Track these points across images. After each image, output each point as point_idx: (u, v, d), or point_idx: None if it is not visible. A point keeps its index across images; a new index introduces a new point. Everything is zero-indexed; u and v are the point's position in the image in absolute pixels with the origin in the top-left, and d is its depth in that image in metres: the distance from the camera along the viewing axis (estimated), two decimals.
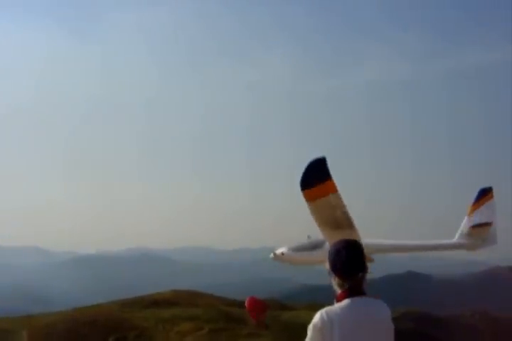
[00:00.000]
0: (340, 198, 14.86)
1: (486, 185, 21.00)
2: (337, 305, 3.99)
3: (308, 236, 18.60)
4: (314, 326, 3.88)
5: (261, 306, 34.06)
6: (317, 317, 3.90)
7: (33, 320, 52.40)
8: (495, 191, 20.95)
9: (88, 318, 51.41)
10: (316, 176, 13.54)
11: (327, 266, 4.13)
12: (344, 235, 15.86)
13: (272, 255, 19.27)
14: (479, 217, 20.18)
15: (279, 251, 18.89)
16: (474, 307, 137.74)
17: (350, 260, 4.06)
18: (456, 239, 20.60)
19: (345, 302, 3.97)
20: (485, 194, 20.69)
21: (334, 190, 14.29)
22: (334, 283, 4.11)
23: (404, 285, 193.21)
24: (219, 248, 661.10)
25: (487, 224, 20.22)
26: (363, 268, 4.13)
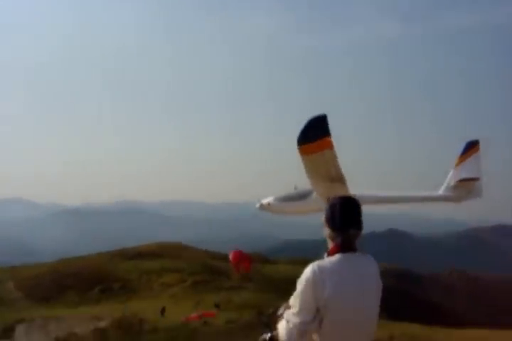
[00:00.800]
0: (335, 155, 15.01)
1: (471, 138, 21.16)
2: (328, 260, 4.02)
3: (295, 187, 18.65)
4: (306, 279, 3.89)
5: (246, 258, 34.46)
6: (308, 270, 3.91)
7: (19, 271, 52.88)
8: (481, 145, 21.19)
9: (73, 270, 51.94)
10: (315, 132, 13.69)
11: (322, 218, 4.16)
12: (334, 188, 16.16)
13: (257, 205, 19.29)
14: (465, 171, 20.38)
15: (265, 200, 18.95)
16: (453, 266, 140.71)
17: (344, 215, 4.12)
18: (442, 191, 20.82)
19: (337, 257, 4.00)
20: (471, 147, 20.84)
21: (331, 146, 14.44)
22: (327, 236, 4.14)
23: (386, 243, 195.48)
24: (205, 201, 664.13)
25: (474, 179, 20.45)
26: (357, 225, 4.15)
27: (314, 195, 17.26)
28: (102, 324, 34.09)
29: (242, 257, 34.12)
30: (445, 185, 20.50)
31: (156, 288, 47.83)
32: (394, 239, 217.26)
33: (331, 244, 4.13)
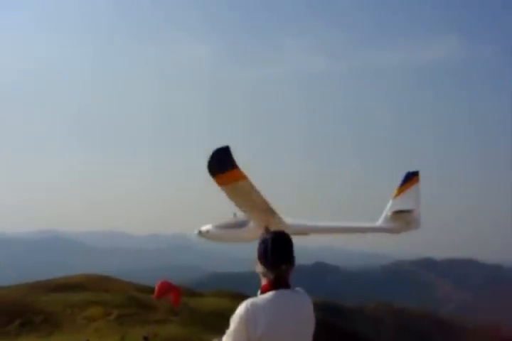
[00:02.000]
0: (251, 184, 15.09)
1: (412, 169, 21.56)
2: (261, 297, 4.01)
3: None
4: (240, 317, 3.87)
5: (174, 289, 33.88)
6: (242, 308, 3.89)
7: None
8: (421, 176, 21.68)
9: None
10: (221, 164, 13.78)
11: (256, 254, 4.17)
12: (266, 216, 16.16)
13: (196, 231, 19.22)
14: (403, 202, 20.82)
15: (204, 228, 18.89)
16: (379, 299, 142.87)
17: (275, 251, 4.09)
18: (380, 222, 21.17)
19: (270, 294, 3.99)
20: (411, 178, 21.27)
21: (243, 177, 14.54)
22: (259, 272, 4.15)
23: (312, 276, 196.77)
24: (131, 233, 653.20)
25: (408, 211, 20.88)
26: (289, 260, 4.13)
27: (252, 223, 17.34)
28: None
29: (170, 288, 33.59)
30: (383, 216, 20.75)
31: (79, 321, 46.48)
32: (320, 273, 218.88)
33: (263, 281, 4.12)
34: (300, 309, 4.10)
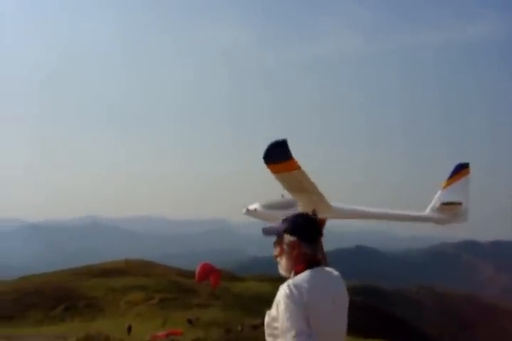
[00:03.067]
0: (304, 173, 15.06)
1: (463, 160, 20.89)
2: (300, 277, 3.96)
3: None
4: (288, 299, 3.81)
5: (215, 272, 33.71)
6: (286, 289, 3.84)
7: None
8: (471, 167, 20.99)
9: (36, 287, 50.77)
10: (278, 155, 13.82)
11: (286, 238, 4.10)
12: (312, 199, 16.31)
13: (244, 210, 19.15)
14: (452, 194, 20.21)
15: (252, 206, 18.82)
16: (420, 282, 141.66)
17: (314, 225, 4.16)
18: (427, 211, 20.68)
19: (308, 273, 3.97)
20: (461, 169, 20.62)
21: (297, 167, 14.50)
22: (289, 251, 4.10)
23: (353, 259, 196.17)
24: (171, 218, 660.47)
25: (457, 204, 20.24)
26: (322, 235, 4.23)
27: (299, 205, 17.17)
28: None
29: (211, 270, 33.39)
30: (431, 206, 20.24)
31: (122, 306, 46.91)
32: (362, 256, 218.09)
33: (289, 260, 4.13)
34: (336, 285, 4.07)
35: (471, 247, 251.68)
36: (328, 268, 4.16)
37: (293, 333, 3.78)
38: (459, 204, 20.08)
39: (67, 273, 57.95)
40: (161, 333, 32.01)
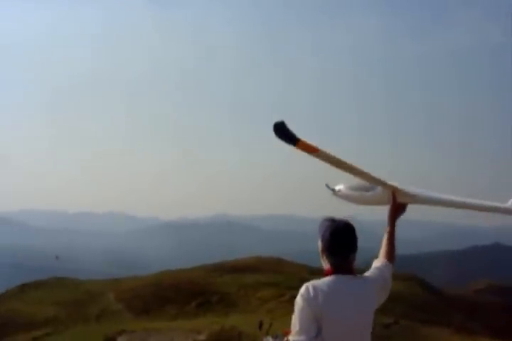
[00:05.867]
0: (328, 154, 13.78)
1: None
2: (323, 280, 4.06)
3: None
4: (301, 295, 3.97)
5: None
6: (303, 288, 3.99)
7: (120, 284, 54.19)
8: None
9: (171, 283, 52.62)
10: (287, 141, 12.72)
11: (319, 244, 4.22)
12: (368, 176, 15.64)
13: (331, 190, 18.68)
14: None
15: (337, 187, 18.28)
16: None
17: (339, 238, 4.18)
18: (510, 203, 18.94)
19: (332, 277, 4.06)
20: None
21: (314, 149, 13.04)
22: (324, 258, 4.20)
23: (490, 257, 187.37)
24: (302, 215, 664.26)
25: None
26: (350, 248, 4.17)
27: (379, 188, 16.19)
28: (201, 337, 34.08)
29: None
30: None
31: (253, 302, 47.48)
32: (499, 254, 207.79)
33: (325, 265, 4.25)
34: (360, 293, 4.09)
35: None
36: (360, 276, 4.26)
37: (296, 331, 3.92)
38: None
39: (201, 269, 59.55)
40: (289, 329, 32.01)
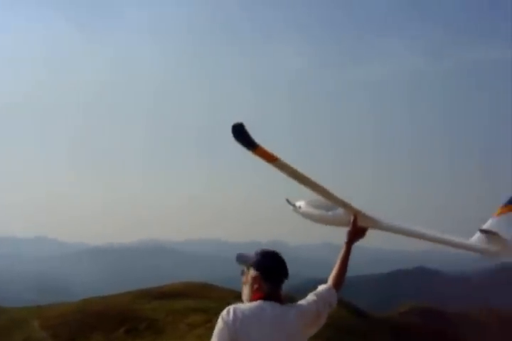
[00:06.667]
0: (286, 163, 13.38)
1: None
2: (248, 304, 4.17)
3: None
4: (221, 317, 4.05)
5: None
6: (225, 310, 4.07)
7: (44, 311, 52.60)
8: None
9: (98, 309, 51.51)
10: (245, 145, 12.02)
11: (251, 271, 4.34)
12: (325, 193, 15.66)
13: (292, 206, 18.71)
14: (502, 223, 19.06)
15: (298, 203, 18.27)
16: (483, 305, 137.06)
17: (280, 265, 4.34)
18: (473, 239, 19.47)
19: (258, 302, 4.15)
20: None
21: (273, 158, 11.65)
22: (254, 285, 4.30)
23: (414, 281, 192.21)
24: (229, 240, 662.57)
25: (493, 234, 19.01)
26: (287, 277, 4.39)
27: (340, 209, 16.37)
28: None
29: None
30: (478, 234, 19.09)
31: (182, 328, 47.16)
32: (422, 277, 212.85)
33: (250, 290, 4.30)
34: (280, 318, 4.12)
35: None
36: (284, 305, 4.26)
37: None
38: (495, 234, 18.64)
39: (129, 295, 58.61)
40: None
